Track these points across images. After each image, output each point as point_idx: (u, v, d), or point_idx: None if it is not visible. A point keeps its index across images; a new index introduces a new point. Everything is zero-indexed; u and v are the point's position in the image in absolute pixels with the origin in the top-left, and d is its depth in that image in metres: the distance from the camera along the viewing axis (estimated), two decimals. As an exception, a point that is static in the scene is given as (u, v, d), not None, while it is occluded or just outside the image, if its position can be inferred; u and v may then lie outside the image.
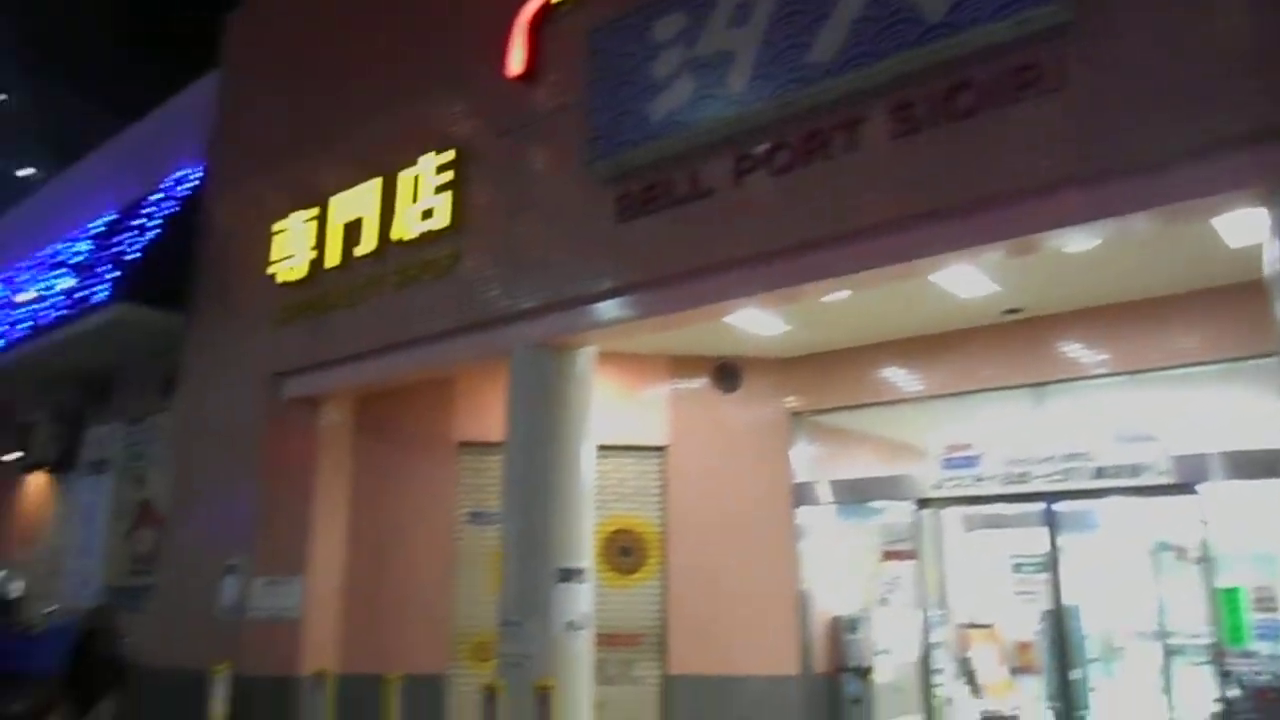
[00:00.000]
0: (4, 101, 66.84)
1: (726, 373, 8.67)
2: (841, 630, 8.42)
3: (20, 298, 12.32)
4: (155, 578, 9.78)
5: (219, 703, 7.21)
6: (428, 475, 8.75)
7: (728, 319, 7.11)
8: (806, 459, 8.71)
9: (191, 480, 9.62)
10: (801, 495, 8.55)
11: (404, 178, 8.10)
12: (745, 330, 7.62)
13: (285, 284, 8.98)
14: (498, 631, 6.74)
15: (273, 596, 8.33)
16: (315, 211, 8.82)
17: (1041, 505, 7.65)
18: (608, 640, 7.44)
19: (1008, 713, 9.16)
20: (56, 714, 7.21)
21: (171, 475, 9.97)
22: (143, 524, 10.41)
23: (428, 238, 7.80)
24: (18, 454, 12.66)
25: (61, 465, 12.01)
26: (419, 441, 8.82)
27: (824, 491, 8.55)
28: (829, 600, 8.55)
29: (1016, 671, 9.57)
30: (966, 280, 6.49)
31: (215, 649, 8.08)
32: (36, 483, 12.88)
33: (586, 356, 7.20)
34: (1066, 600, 7.69)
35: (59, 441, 11.93)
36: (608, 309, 6.79)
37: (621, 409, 8.28)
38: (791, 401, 8.67)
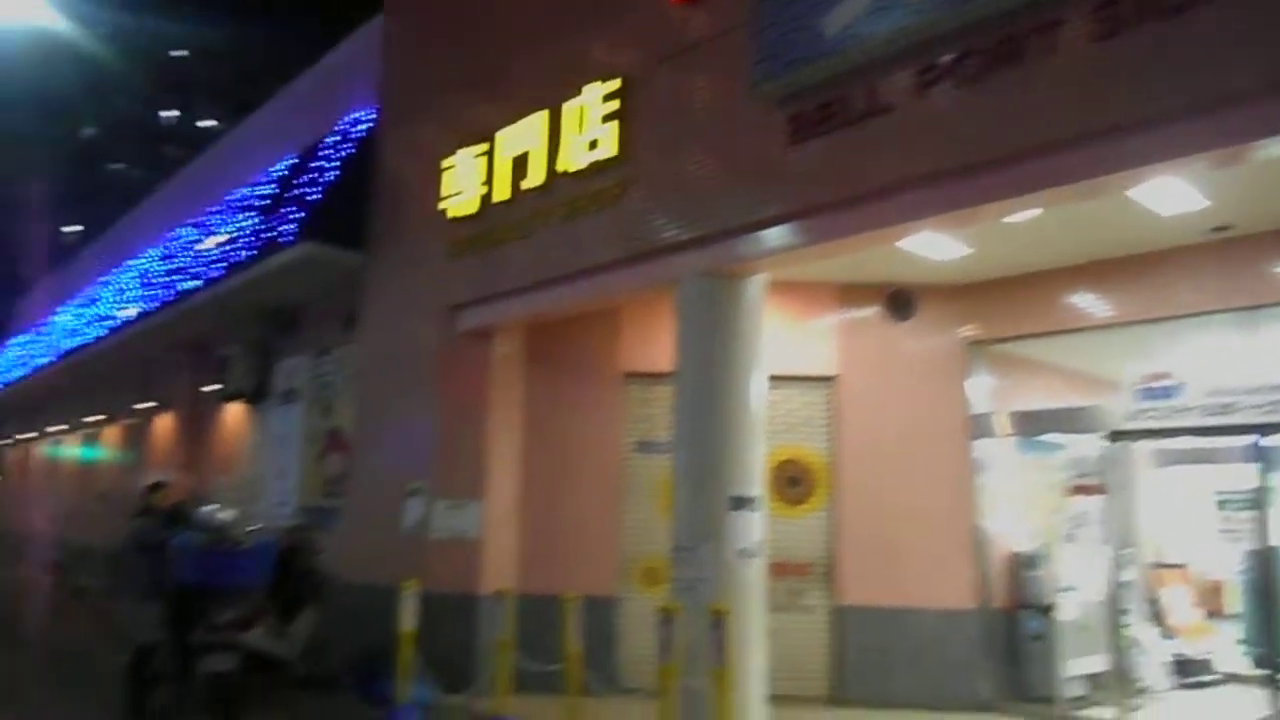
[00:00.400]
0: (185, 57, 70.84)
1: (900, 300, 8.38)
2: (1021, 566, 8.15)
3: (213, 240, 13.14)
4: (344, 500, 10.42)
5: (408, 616, 7.61)
6: (595, 405, 8.91)
7: (903, 243, 6.85)
8: (985, 390, 8.37)
9: (375, 409, 10.13)
10: (979, 427, 8.24)
11: (569, 109, 8.11)
12: (921, 255, 7.31)
13: (456, 219, 9.21)
14: (670, 556, 6.84)
15: (453, 518, 8.73)
16: (483, 147, 8.97)
17: (1249, 439, 7.11)
18: (776, 569, 7.44)
19: (1199, 657, 8.71)
20: (263, 623, 7.79)
21: (356, 404, 10.54)
22: (331, 450, 11.06)
23: (594, 169, 7.81)
24: (217, 385, 13.62)
25: (256, 396, 12.86)
26: (587, 372, 8.97)
27: (1004, 423, 8.21)
28: (1008, 535, 8.26)
29: (1211, 614, 9.06)
30: (1170, 195, 5.99)
31: (401, 566, 8.54)
32: (234, 412, 13.86)
33: (756, 285, 7.09)
34: (1275, 541, 7.16)
35: (253, 374, 12.77)
36: (777, 235, 6.64)
37: (789, 339, 8.15)
38: (969, 330, 8.32)
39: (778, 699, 6.80)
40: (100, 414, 19.62)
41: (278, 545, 8.29)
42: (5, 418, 28.58)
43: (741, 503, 6.63)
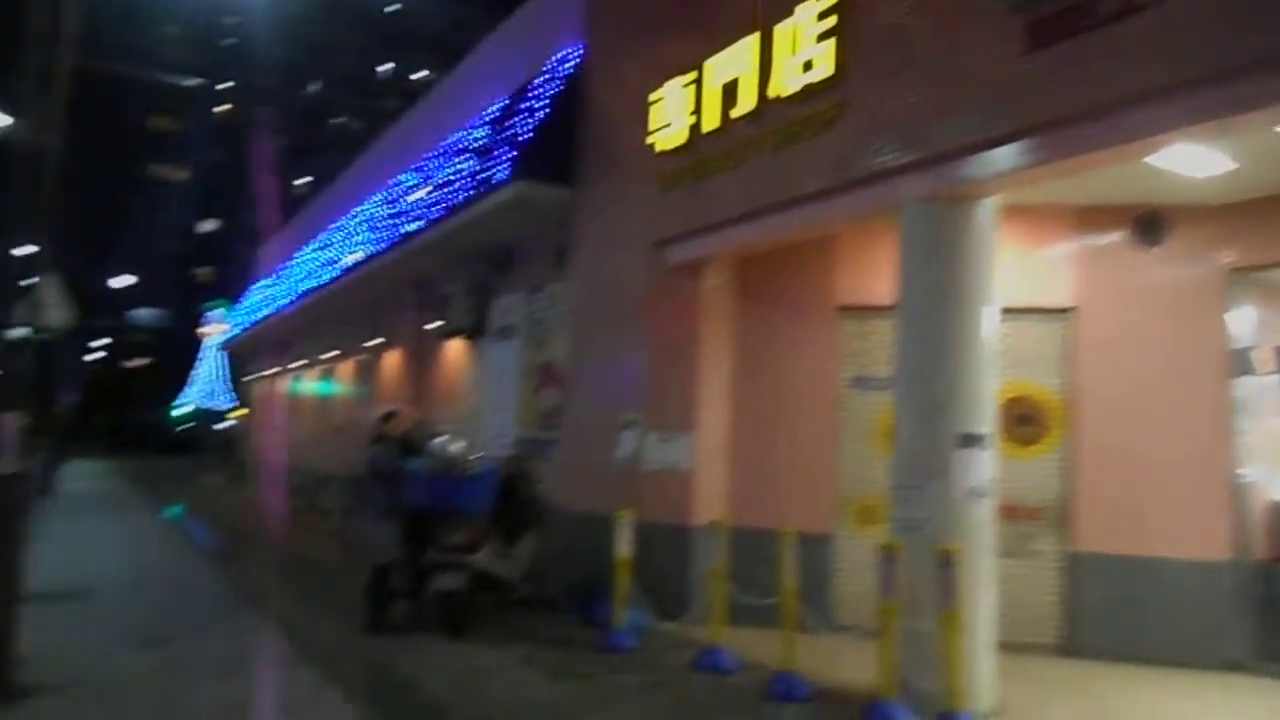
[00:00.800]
0: (396, 12, 74.02)
1: (1149, 224, 7.64)
2: (1285, 516, 7.36)
3: (432, 183, 13.71)
4: (560, 431, 10.75)
5: (624, 544, 7.77)
6: (809, 339, 8.70)
7: (1153, 159, 6.17)
8: (1246, 323, 7.54)
9: (587, 343, 10.34)
10: (1239, 364, 7.45)
11: (781, 31, 7.80)
12: (1175, 172, 6.59)
13: (664, 152, 9.13)
14: (891, 494, 6.60)
15: (665, 451, 8.81)
16: (691, 76, 8.81)
17: None
18: (1005, 512, 7.03)
19: None
20: (488, 546, 8.18)
21: (569, 339, 10.80)
22: (546, 384, 11.41)
23: (808, 91, 7.49)
24: (439, 323, 14.33)
25: (474, 332, 13.42)
26: (800, 305, 8.76)
27: (1268, 360, 7.38)
28: (1269, 482, 7.47)
29: None
30: None
31: (615, 496, 8.73)
32: (455, 348, 14.55)
33: (986, 210, 6.61)
34: None
35: (471, 311, 13.31)
36: (1009, 154, 6.13)
37: (1022, 268, 7.63)
38: (1229, 256, 7.50)
39: (1006, 646, 6.48)
40: (334, 351, 21.16)
41: (500, 473, 8.66)
42: (252, 355, 31.44)
43: (970, 440, 6.28)
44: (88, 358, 75.01)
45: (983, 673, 6.19)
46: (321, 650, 7.40)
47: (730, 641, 7.23)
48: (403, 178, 15.77)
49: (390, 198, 16.02)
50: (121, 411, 74.64)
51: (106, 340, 76.09)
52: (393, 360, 17.57)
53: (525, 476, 9.16)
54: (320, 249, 20.46)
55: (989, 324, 6.52)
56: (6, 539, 5.94)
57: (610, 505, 8.53)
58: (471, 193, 11.78)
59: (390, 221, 15.44)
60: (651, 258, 9.24)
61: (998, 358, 6.66)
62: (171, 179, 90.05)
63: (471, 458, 8.61)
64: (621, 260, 9.78)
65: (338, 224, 19.90)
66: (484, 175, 11.54)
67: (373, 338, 18.14)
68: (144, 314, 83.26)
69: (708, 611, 7.45)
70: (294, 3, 71.70)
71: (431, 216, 13.01)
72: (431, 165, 14.45)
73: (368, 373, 19.06)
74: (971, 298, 6.48)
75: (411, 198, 14.49)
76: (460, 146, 13.45)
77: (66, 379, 26.32)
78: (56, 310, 6.83)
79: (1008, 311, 7.10)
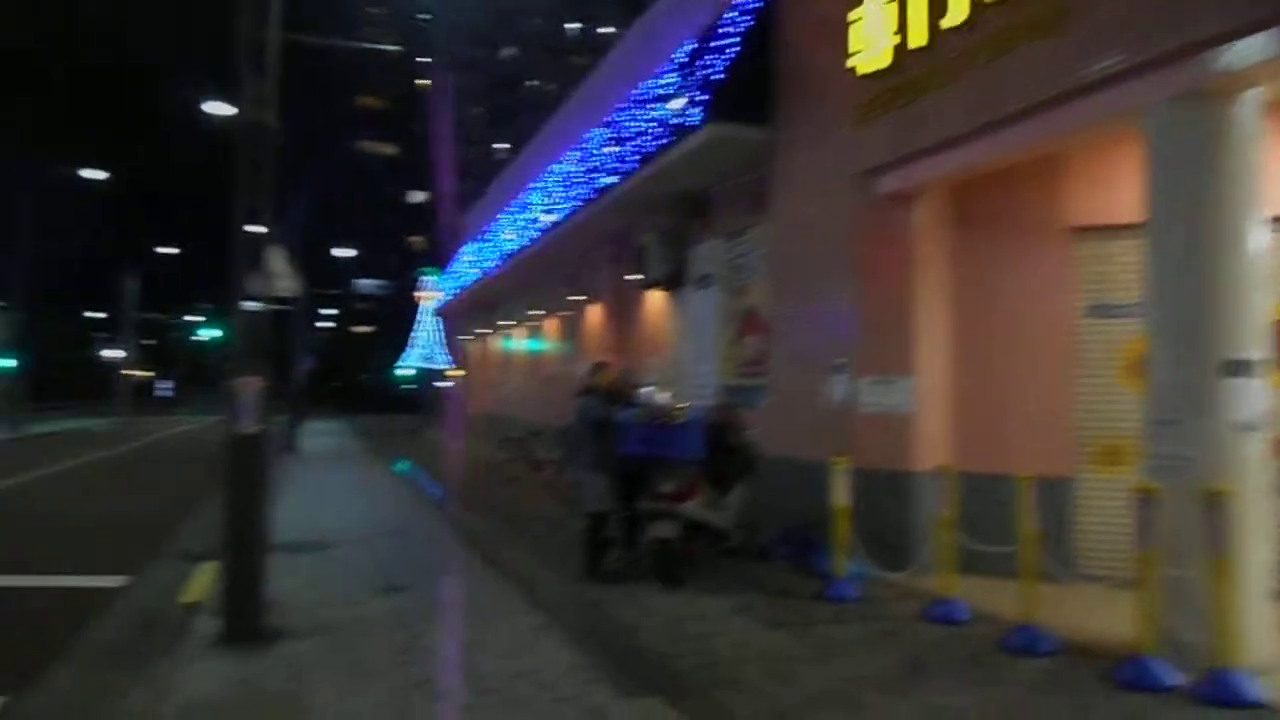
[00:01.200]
0: (582, -31, 74.26)
1: None
2: None
3: (624, 136, 13.63)
4: (765, 378, 10.50)
5: (841, 492, 7.47)
6: (1036, 266, 8.01)
7: None
8: None
9: (791, 287, 10.00)
10: None
11: (995, -73, 7.09)
12: None
13: (866, 76, 8.58)
14: (1146, 432, 5.95)
15: (881, 394, 8.39)
16: (894, -10, 8.21)
17: None
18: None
19: None
20: (700, 495, 8.09)
21: (771, 284, 10.48)
22: (748, 331, 11.17)
23: (1030, -10, 6.78)
24: (637, 275, 14.33)
25: (673, 282, 13.33)
26: (1024, 230, 8.06)
27: None
28: None
29: None
30: None
31: (827, 442, 8.42)
32: (655, 299, 14.54)
33: (1249, 104, 5.76)
34: None
35: (669, 261, 13.21)
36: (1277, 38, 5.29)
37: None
38: None
39: (1284, 597, 5.75)
40: (539, 308, 21.75)
41: (709, 421, 8.53)
42: (464, 317, 32.91)
43: (1237, 368, 5.54)
44: (319, 325, 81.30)
45: (1256, 625, 5.50)
46: (542, 597, 7.55)
47: (964, 592, 6.83)
48: (594, 133, 15.81)
49: (583, 154, 16.12)
50: (351, 375, 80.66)
51: (333, 310, 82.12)
52: (595, 314, 17.84)
53: (734, 424, 8.99)
54: (520, 210, 20.98)
55: (1255, 237, 5.71)
56: (252, 493, 6.34)
57: (822, 452, 8.24)
58: (664, 141, 11.60)
59: (585, 177, 15.54)
60: (858, 190, 8.75)
61: (1268, 274, 5.84)
62: (381, 153, 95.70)
63: (679, 406, 8.51)
64: (825, 196, 9.33)
65: (535, 185, 20.31)
66: (676, 121, 11.32)
67: (574, 293, 18.48)
68: (366, 283, 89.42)
69: (935, 561, 7.05)
70: (483, -27, 73.86)
71: (625, 169, 12.95)
72: (622, 118, 14.37)
73: (571, 328, 19.48)
74: (1234, 207, 5.69)
75: (604, 152, 14.50)
76: (650, 95, 13.28)
77: (301, 346, 28.44)
78: (286, 280, 7.17)
79: (1278, 221, 6.23)
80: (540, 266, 20.03)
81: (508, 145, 65.27)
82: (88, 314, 71.98)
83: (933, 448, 8.09)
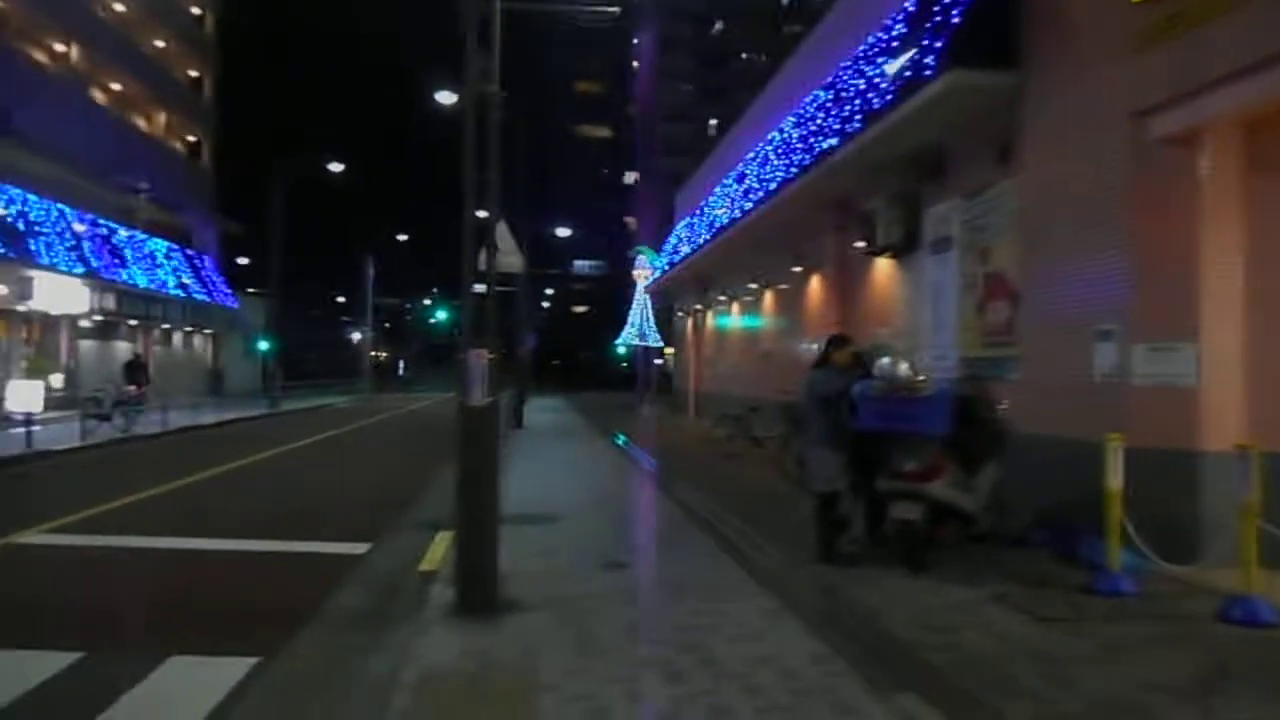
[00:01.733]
0: (795, -65, 72.95)
1: None
2: None
3: (848, 95, 12.90)
4: (1015, 348, 9.59)
5: (1114, 473, 6.60)
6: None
7: None
8: None
9: (1044, 246, 9.03)
10: None
11: None
12: None
13: (1139, 2, 7.53)
14: None
15: (1159, 364, 7.38)
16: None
17: None
18: None
19: None
20: (946, 474, 7.40)
21: (1020, 244, 9.54)
22: (993, 296, 10.25)
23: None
24: (862, 242, 13.60)
25: (904, 248, 12.52)
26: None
27: None
28: None
29: None
30: None
31: (1091, 418, 7.53)
32: (883, 267, 13.75)
33: None
34: None
35: (899, 225, 12.41)
36: None
37: None
38: None
39: None
40: (754, 282, 21.28)
41: (954, 394, 7.78)
42: (678, 294, 32.92)
43: None
44: (543, 304, 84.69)
45: None
46: (773, 578, 7.15)
47: (1264, 590, 5.86)
48: (815, 95, 15.12)
49: (802, 118, 15.47)
50: (570, 353, 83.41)
51: (551, 291, 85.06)
52: (815, 285, 17.18)
53: (982, 398, 8.20)
54: (734, 183, 20.57)
55: None
56: (483, 465, 6.31)
57: (1085, 429, 7.37)
58: (893, 96, 10.83)
59: (804, 143, 14.93)
60: (1129, 134, 7.70)
61: None
62: (597, 136, 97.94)
63: (921, 378, 7.82)
64: (1088, 143, 8.32)
65: (750, 155, 19.82)
66: (908, 74, 10.53)
67: (793, 265, 17.88)
68: (583, 264, 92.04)
69: (1234, 553, 6.08)
70: (692, -52, 73.60)
71: (850, 130, 12.25)
72: (845, 76, 13.62)
73: (790, 301, 18.91)
74: None
75: (825, 115, 13.83)
76: (876, 49, 12.48)
77: (525, 325, 29.43)
78: (511, 256, 7.11)
79: None
80: (756, 239, 19.55)
81: (717, 122, 64.99)
82: (336, 299, 78.16)
83: (1222, 424, 7.02)
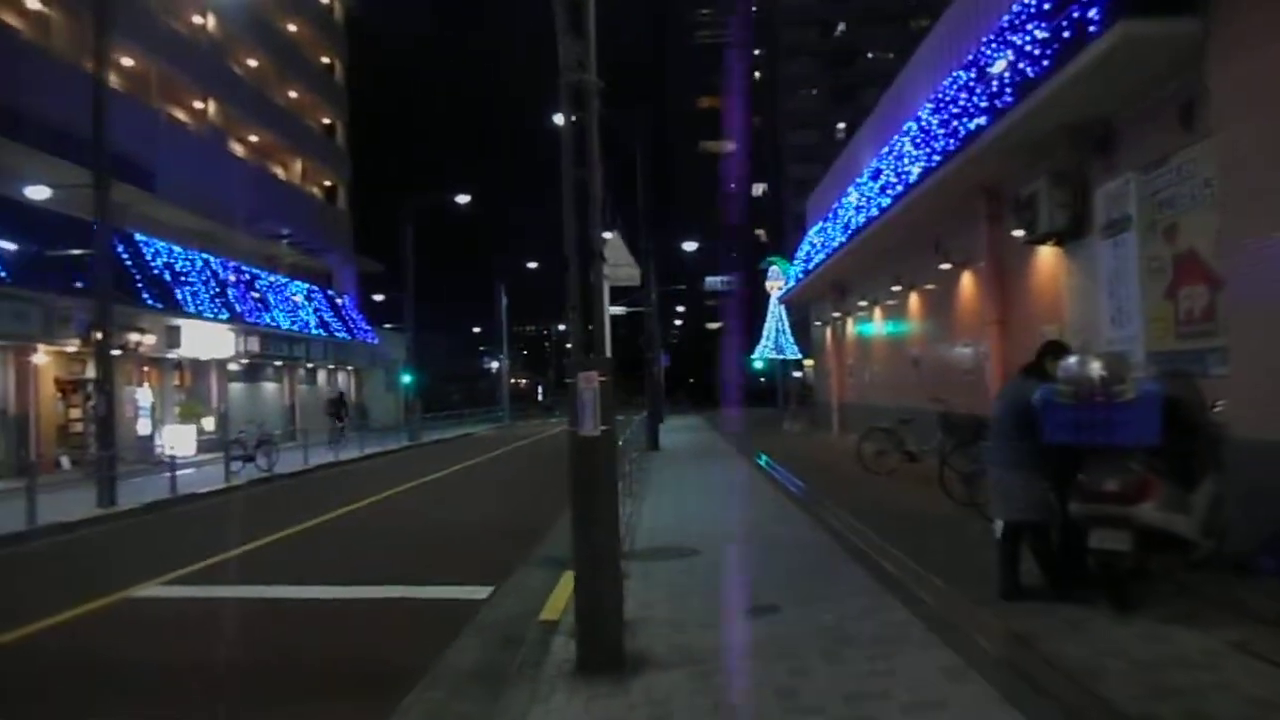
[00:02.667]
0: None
1: None
2: None
3: (994, 67, 11.62)
4: (1218, 339, 8.15)
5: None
6: None
7: None
8: None
9: (1251, 218, 7.60)
10: None
11: None
12: None
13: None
14: None
15: None
16: None
17: None
18: None
19: None
20: (1157, 494, 6.10)
21: (1217, 217, 8.12)
22: (1185, 280, 8.80)
23: None
24: (1020, 231, 12.24)
25: (1071, 232, 11.12)
26: None
27: None
28: None
29: None
30: None
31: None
32: (1043, 257, 12.36)
33: None
34: None
35: (1064, 208, 11.02)
36: None
37: None
38: None
39: None
40: (898, 284, 19.89)
41: (1161, 395, 6.42)
42: (814, 303, 31.60)
43: None
44: (674, 323, 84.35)
45: None
46: (949, 624, 6.05)
47: None
48: (955, 76, 13.83)
49: (942, 102, 14.19)
50: (705, 371, 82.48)
51: (682, 308, 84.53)
52: (967, 283, 15.77)
53: (1192, 400, 6.84)
54: (868, 181, 19.32)
55: None
56: (599, 503, 5.48)
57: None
58: (1049, 62, 9.56)
59: (945, 128, 13.66)
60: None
61: None
62: (722, 151, 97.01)
63: (1120, 379, 6.46)
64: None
65: (885, 150, 18.56)
66: (1066, 34, 9.24)
67: (941, 262, 16.49)
68: (714, 280, 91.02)
69: None
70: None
71: (1000, 105, 10.98)
72: (990, 50, 12.33)
73: (939, 301, 17.50)
74: None
75: (969, 94, 12.56)
76: (1025, 15, 11.18)
77: (656, 344, 28.75)
78: (625, 269, 6.31)
79: None
80: (897, 238, 18.28)
81: (845, 125, 63.13)
82: (473, 329, 79.90)
83: None
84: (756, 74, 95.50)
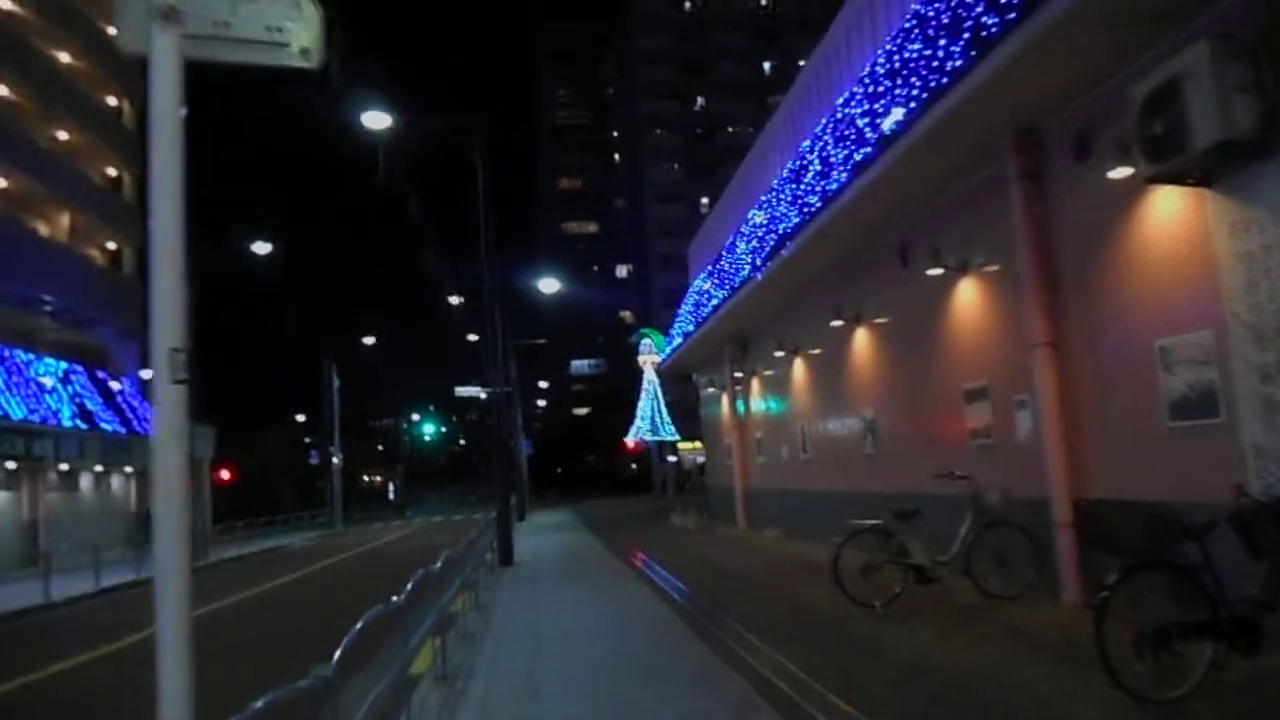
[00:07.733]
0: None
1: None
2: None
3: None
4: None
5: None
6: None
7: None
8: None
9: None
10: None
11: None
12: None
13: None
14: None
15: None
16: None
17: None
18: None
19: None
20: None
21: None
22: None
23: None
24: (1124, 168, 7.00)
25: (1254, 145, 5.89)
26: None
27: None
28: None
29: None
30: None
31: None
32: (1164, 209, 7.09)
33: None
34: None
35: (1246, 95, 5.81)
36: None
37: None
38: None
39: None
40: (838, 319, 14.48)
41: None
42: (700, 372, 26.15)
43: None
44: (540, 402, 77.97)
45: None
46: None
47: None
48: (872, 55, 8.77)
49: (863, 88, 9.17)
50: (573, 458, 76.06)
51: (546, 392, 78.51)
52: (970, 295, 10.39)
53: None
54: (786, 186, 14.17)
55: None
56: None
57: None
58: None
59: (869, 119, 8.67)
60: None
61: None
62: (584, 232, 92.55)
63: None
64: None
65: (807, 141, 13.51)
66: None
67: (928, 267, 11.11)
68: (580, 364, 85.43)
69: None
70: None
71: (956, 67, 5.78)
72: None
73: (917, 328, 11.95)
74: None
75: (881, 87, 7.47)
76: None
77: (515, 432, 22.61)
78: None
79: None
80: (841, 244, 13.01)
81: (707, 199, 59.74)
82: (299, 418, 70.88)
83: None
84: (616, 156, 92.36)
